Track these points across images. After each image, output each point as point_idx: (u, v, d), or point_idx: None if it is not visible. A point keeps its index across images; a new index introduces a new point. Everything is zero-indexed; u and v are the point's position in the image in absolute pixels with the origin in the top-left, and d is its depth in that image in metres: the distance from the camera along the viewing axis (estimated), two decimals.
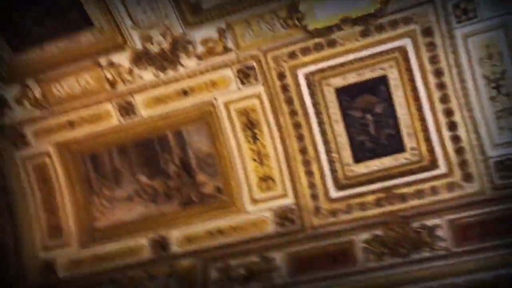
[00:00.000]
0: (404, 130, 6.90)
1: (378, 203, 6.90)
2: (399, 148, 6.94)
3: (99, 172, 7.90)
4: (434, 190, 6.73)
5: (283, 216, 7.28)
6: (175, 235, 7.70)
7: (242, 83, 7.12)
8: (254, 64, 6.98)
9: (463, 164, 6.67)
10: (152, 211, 7.85)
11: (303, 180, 7.20)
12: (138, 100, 7.43)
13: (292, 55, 6.87)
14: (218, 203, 7.63)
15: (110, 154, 7.84)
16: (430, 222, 6.57)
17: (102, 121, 7.58)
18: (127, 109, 7.51)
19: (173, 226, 7.73)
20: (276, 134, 7.23)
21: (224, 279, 7.15)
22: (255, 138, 7.33)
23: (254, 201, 7.45)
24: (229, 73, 7.09)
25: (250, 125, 7.30)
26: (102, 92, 7.40)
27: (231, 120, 7.33)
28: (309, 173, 7.17)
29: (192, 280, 7.29)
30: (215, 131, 7.42)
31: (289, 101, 7.07)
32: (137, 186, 7.85)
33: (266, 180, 7.40)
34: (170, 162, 7.72)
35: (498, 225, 6.26)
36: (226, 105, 7.26)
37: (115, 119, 7.56)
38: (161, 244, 7.71)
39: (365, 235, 6.78)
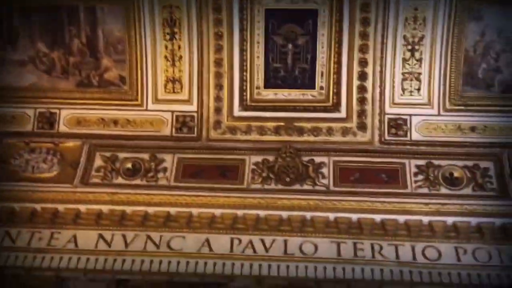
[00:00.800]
0: (318, 69, 7.08)
1: (276, 130, 7.14)
2: (309, 84, 7.15)
3: None
4: (329, 131, 7.10)
5: (182, 121, 7.26)
6: (65, 113, 7.39)
7: None
8: None
9: (361, 113, 7.07)
10: (44, 84, 7.40)
11: (211, 91, 7.17)
12: None
13: None
14: (118, 93, 7.38)
15: (10, 12, 7.08)
16: (318, 159, 6.97)
17: None
18: None
19: (64, 104, 7.39)
20: (195, 38, 7.03)
21: (108, 169, 7.07)
22: (173, 36, 7.07)
23: (157, 100, 7.31)
24: None
25: (171, 23, 6.99)
26: None
27: (152, 12, 6.95)
28: (218, 86, 7.15)
29: (74, 162, 7.11)
30: (132, 18, 7.00)
31: (217, 9, 6.84)
32: (34, 53, 7.28)
33: (173, 82, 7.26)
34: (75, 37, 7.22)
35: (375, 175, 6.83)
36: None
37: None
38: (48, 120, 7.35)
39: (256, 158, 7.03)
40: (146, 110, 7.32)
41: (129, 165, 7.11)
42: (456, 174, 6.77)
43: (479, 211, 6.37)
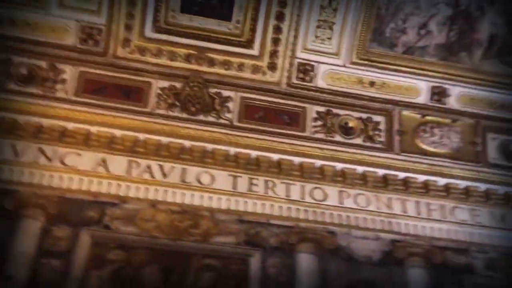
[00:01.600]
0: (237, 1, 6.96)
1: (187, 58, 7.01)
2: (227, 16, 7.03)
3: None
4: (240, 67, 7.12)
5: (88, 33, 6.86)
6: None
7: None
8: None
9: (273, 54, 7.14)
10: None
11: (123, 6, 6.78)
12: None
13: None
14: None
15: None
16: (225, 93, 7.02)
17: None
18: None
19: None
20: None
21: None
22: None
23: (62, 5, 6.80)
24: None
25: None
26: None
27: None
28: (132, 3, 6.78)
29: None
30: None
31: None
32: None
33: None
34: None
35: (278, 116, 7.06)
36: None
37: None
38: None
39: (163, 83, 6.90)
40: (49, 14, 6.78)
41: (24, 71, 6.64)
42: (350, 124, 7.21)
43: (366, 161, 6.89)
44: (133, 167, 6.38)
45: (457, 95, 7.45)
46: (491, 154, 7.30)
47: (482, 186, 6.96)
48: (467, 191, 6.93)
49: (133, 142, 6.43)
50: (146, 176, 6.38)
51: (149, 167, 6.42)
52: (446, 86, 7.41)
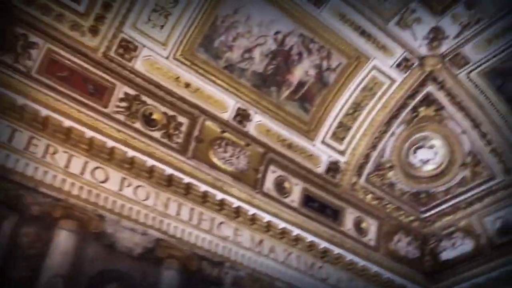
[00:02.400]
0: None
1: None
2: None
3: None
4: (59, 17, 6.51)
5: None
6: None
7: None
8: None
9: (100, 18, 6.69)
10: None
11: None
12: None
13: None
14: None
15: None
16: (33, 38, 6.35)
17: None
18: None
19: None
20: None
21: None
22: None
23: None
24: None
25: None
26: None
27: None
28: None
29: None
30: None
31: None
32: None
33: None
34: None
35: (83, 83, 6.60)
36: None
37: None
38: None
39: None
40: None
41: None
42: (154, 116, 7.12)
43: (157, 156, 6.87)
44: None
45: (257, 123, 7.93)
46: (267, 185, 7.90)
47: (252, 210, 7.47)
48: (237, 211, 7.35)
49: None
50: None
51: None
52: (250, 111, 7.85)
